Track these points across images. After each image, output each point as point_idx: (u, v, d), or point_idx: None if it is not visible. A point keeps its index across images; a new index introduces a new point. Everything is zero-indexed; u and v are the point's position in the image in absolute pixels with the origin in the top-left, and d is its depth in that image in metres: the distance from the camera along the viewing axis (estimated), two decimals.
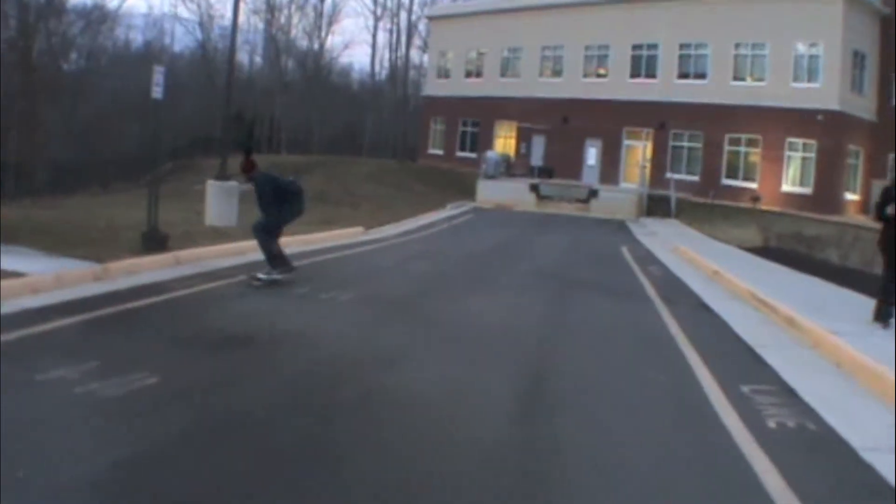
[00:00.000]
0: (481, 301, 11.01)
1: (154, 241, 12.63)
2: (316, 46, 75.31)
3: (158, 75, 12.55)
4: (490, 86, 50.49)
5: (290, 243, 15.90)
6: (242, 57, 74.21)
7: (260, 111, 67.14)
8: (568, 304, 11.66)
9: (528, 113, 46.36)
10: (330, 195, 35.06)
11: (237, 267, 12.21)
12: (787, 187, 37.62)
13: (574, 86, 45.66)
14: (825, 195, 36.30)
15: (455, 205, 35.12)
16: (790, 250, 20.03)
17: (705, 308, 11.61)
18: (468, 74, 53.26)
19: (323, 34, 76.21)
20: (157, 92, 12.49)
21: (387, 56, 77.58)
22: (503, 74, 50.70)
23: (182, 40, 72.42)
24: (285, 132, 69.54)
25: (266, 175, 11.56)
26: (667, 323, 10.10)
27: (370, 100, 76.47)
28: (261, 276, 10.91)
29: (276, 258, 11.21)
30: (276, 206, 11.23)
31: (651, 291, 13.00)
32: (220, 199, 17.23)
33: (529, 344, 8.47)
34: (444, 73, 55.64)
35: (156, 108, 13.59)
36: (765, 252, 19.71)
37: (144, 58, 60.31)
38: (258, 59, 75.25)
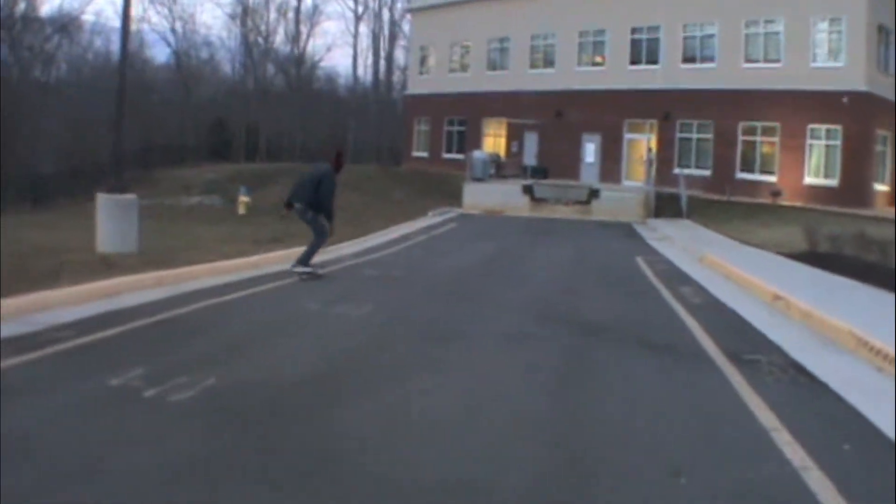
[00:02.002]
0: (431, 395, 6.15)
1: None
2: (296, 51, 72.10)
3: None
4: (476, 81, 46.94)
5: (204, 273, 12.02)
6: (224, 65, 72.04)
7: (240, 119, 66.02)
8: (589, 390, 6.63)
9: (518, 108, 42.44)
10: None
11: (98, 319, 8.25)
12: (810, 179, 33.70)
13: (568, 76, 41.98)
14: (853, 186, 32.42)
15: (438, 212, 31.22)
16: (852, 257, 15.94)
17: (802, 372, 7.24)
18: (452, 69, 49.76)
19: (303, 38, 73.02)
20: None
21: (371, 58, 74.16)
22: (490, 68, 47.28)
23: (163, 50, 70.55)
24: (265, 140, 67.27)
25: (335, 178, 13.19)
26: (768, 431, 5.42)
27: (353, 104, 73.45)
28: (298, 269, 12.65)
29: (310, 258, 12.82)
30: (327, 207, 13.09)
31: (703, 339, 8.72)
32: (115, 218, 13.14)
33: None
34: (426, 70, 51.95)
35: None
36: (818, 260, 15.67)
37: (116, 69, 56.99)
38: (238, 67, 73.37)
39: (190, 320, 8.92)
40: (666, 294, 12.38)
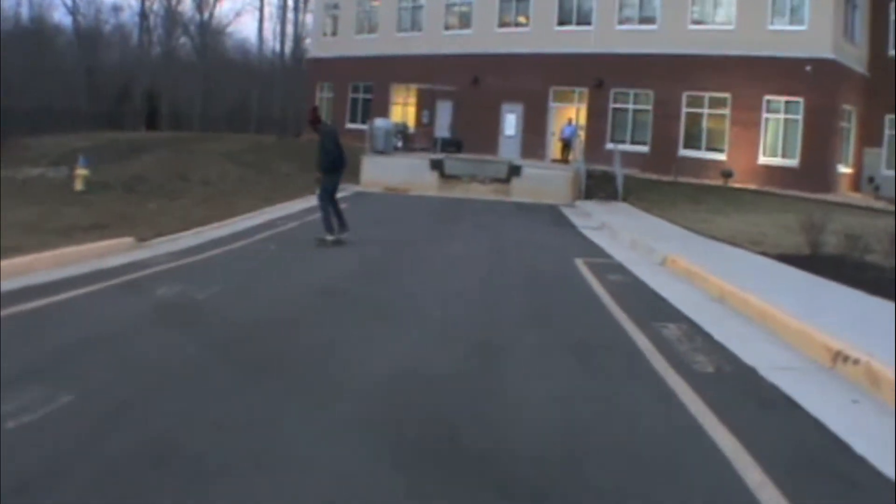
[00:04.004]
0: None
1: None
2: (200, 16, 66.93)
3: None
4: (385, 43, 41.45)
5: None
6: (134, 31, 67.19)
7: (142, 86, 62.58)
8: None
9: (431, 74, 36.97)
10: (152, 180, 25.52)
11: None
12: (765, 159, 29.15)
13: (487, 38, 36.82)
14: (816, 168, 27.95)
15: None
16: (879, 266, 10.94)
17: None
18: (360, 30, 43.79)
19: (210, 2, 67.95)
20: None
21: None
22: (401, 28, 41.59)
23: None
24: (168, 108, 64.25)
25: (331, 127, 14.74)
26: None
27: (259, 71, 69.62)
28: (328, 237, 13.18)
29: (331, 221, 13.31)
30: (333, 165, 13.45)
31: None
32: None
33: None
34: (332, 30, 46.05)
35: None
36: (834, 269, 10.68)
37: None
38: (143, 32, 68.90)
39: None
40: (639, 338, 7.17)
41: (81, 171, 23.60)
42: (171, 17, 67.44)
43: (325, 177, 13.50)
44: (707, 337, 7.45)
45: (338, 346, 6.61)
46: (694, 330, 7.76)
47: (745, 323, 8.24)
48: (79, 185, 23.32)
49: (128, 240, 12.66)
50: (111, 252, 11.53)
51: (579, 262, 12.37)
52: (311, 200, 22.83)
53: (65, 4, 61.58)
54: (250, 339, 6.83)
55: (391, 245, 14.16)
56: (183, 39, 69.91)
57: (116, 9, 66.58)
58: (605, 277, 10.95)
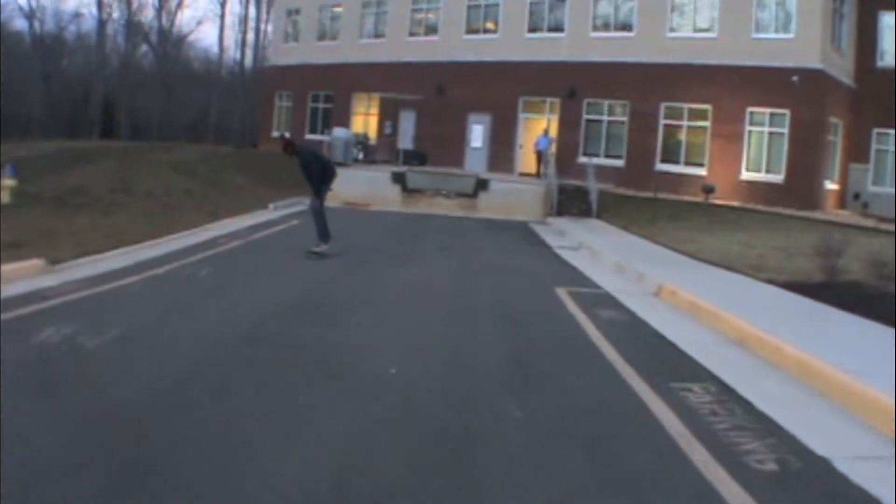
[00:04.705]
0: None
1: None
2: (158, 24, 65.39)
3: None
4: (347, 49, 39.57)
5: None
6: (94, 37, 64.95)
7: (101, 95, 60.77)
8: None
9: (394, 82, 34.99)
10: (91, 192, 23.34)
11: None
12: (748, 174, 27.44)
13: (453, 45, 34.99)
14: (802, 184, 26.35)
15: (282, 204, 23.76)
16: None
17: None
18: (321, 37, 41.78)
19: (171, 10, 66.80)
20: None
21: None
22: (363, 35, 39.69)
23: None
24: (127, 117, 62.32)
25: (308, 149, 14.34)
26: None
27: (219, 80, 68.75)
28: (315, 249, 13.33)
29: (325, 232, 13.66)
30: (321, 179, 13.69)
31: None
32: None
33: None
34: (292, 37, 44.07)
35: None
36: (862, 303, 8.87)
37: None
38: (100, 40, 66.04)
39: None
40: (686, 442, 5.02)
41: (7, 182, 21.39)
42: (131, 24, 65.00)
43: (318, 192, 13.87)
44: (747, 406, 5.56)
45: (240, 441, 4.62)
46: (726, 394, 5.86)
47: (786, 381, 6.37)
48: (5, 198, 21.09)
49: (37, 263, 10.59)
50: (13, 278, 9.47)
51: (561, 293, 10.44)
52: (261, 216, 20.98)
53: (21, 9, 59.15)
54: (122, 426, 4.82)
55: (344, 270, 12.14)
56: (143, 48, 67.96)
57: (77, 16, 64.16)
58: (595, 313, 9.03)
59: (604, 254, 15.47)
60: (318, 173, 13.61)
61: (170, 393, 5.44)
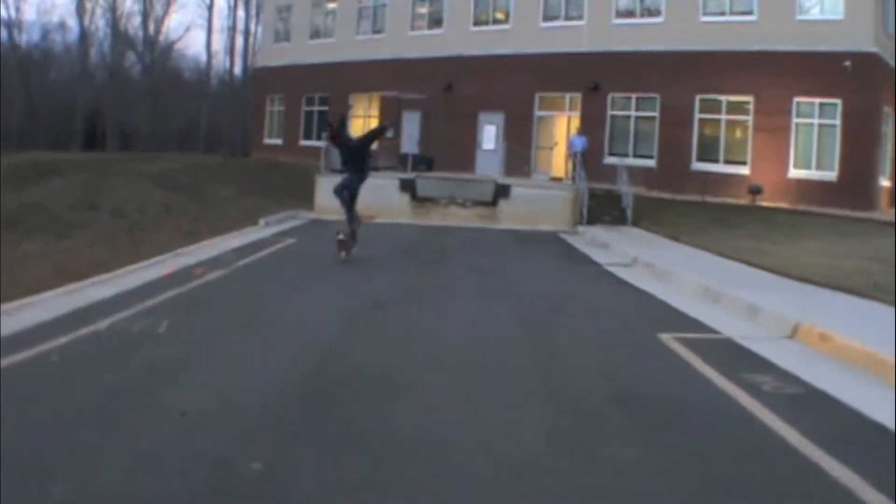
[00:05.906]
0: None
1: None
2: (145, 32, 63.79)
3: None
4: (344, 47, 37.10)
5: None
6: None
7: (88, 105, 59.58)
8: None
9: (396, 80, 32.41)
10: (49, 210, 20.53)
11: None
12: (796, 171, 24.69)
13: (461, 39, 32.50)
14: (856, 181, 23.72)
15: (275, 218, 21.13)
16: None
17: None
18: (315, 34, 39.37)
19: (159, 14, 65.56)
20: None
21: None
22: (361, 31, 37.20)
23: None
24: (115, 127, 60.07)
25: (351, 138, 14.67)
26: None
27: (210, 88, 66.45)
28: (340, 237, 13.66)
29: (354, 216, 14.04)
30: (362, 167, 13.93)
31: None
32: None
33: None
34: (283, 36, 41.48)
35: None
36: None
37: None
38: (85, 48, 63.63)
39: None
40: None
41: None
42: (117, 33, 62.65)
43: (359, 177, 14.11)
44: None
45: None
46: None
47: None
48: None
49: None
50: None
51: (674, 344, 7.53)
52: (249, 234, 18.11)
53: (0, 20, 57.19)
54: None
55: (350, 317, 8.98)
56: (130, 56, 65.64)
57: (63, 27, 62.13)
58: (746, 381, 6.16)
59: (673, 273, 12.70)
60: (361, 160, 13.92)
61: None
